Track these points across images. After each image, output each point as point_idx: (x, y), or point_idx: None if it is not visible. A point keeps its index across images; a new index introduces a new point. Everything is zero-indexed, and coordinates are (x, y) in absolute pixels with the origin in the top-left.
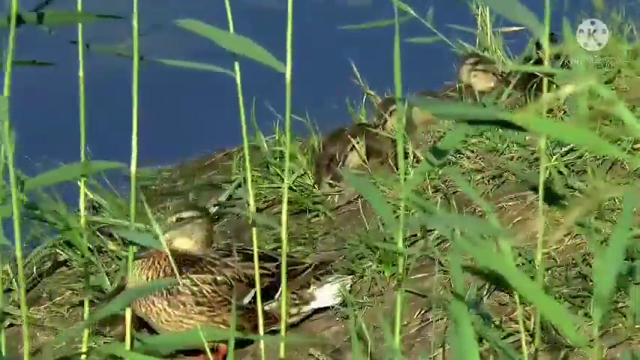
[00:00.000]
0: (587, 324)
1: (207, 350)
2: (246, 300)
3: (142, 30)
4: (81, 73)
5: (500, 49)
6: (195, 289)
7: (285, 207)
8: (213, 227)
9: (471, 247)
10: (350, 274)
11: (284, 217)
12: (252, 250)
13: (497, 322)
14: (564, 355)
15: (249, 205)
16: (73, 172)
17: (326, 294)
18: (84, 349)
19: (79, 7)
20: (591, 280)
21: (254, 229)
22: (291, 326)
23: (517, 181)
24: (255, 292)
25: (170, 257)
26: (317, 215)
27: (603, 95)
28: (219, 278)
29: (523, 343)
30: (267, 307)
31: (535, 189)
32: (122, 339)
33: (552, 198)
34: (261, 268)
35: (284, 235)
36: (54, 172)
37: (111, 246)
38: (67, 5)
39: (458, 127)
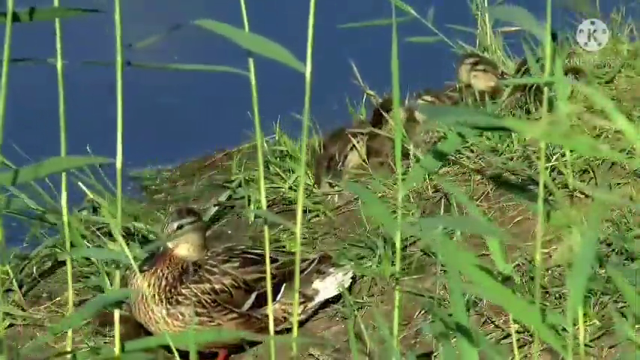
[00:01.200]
0: (587, 324)
1: (175, 350)
2: (246, 306)
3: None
4: (59, 65)
5: (500, 49)
6: (194, 299)
7: (300, 208)
8: (206, 232)
9: (451, 255)
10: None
11: (299, 217)
12: (251, 254)
13: (497, 323)
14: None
15: (260, 203)
16: (56, 166)
17: (329, 285)
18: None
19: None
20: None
21: (266, 228)
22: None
23: (512, 185)
24: (255, 297)
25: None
26: (317, 215)
27: (599, 103)
28: (217, 287)
29: (514, 342)
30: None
31: (524, 193)
32: (122, 339)
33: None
34: (261, 271)
35: (298, 235)
36: (36, 165)
37: (111, 246)
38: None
39: (457, 129)
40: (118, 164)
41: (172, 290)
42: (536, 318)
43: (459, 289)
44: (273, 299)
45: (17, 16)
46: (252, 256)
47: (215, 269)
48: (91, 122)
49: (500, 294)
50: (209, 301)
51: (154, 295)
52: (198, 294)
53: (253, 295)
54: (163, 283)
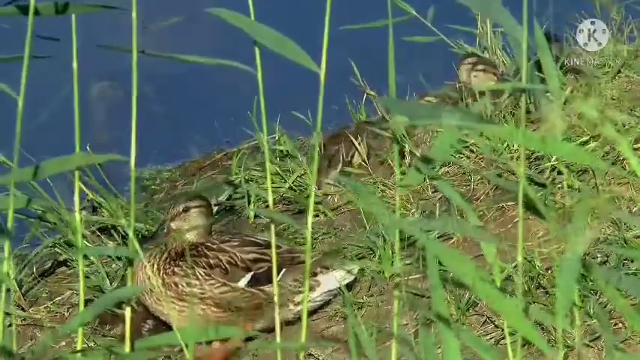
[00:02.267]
0: (587, 324)
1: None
2: (242, 283)
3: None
4: (75, 65)
5: (500, 49)
6: (189, 271)
7: (311, 207)
8: (213, 216)
9: (443, 255)
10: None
11: (309, 217)
12: (251, 237)
13: (497, 323)
14: (564, 355)
15: (260, 202)
16: (71, 163)
17: (331, 278)
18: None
19: None
20: (591, 280)
21: (272, 227)
22: (293, 323)
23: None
24: (252, 277)
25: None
26: (317, 215)
27: (586, 111)
28: (212, 262)
29: (518, 342)
30: (267, 289)
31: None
32: (122, 338)
33: (531, 207)
34: (261, 253)
35: (308, 234)
36: (51, 162)
37: (111, 245)
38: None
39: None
40: (132, 162)
41: (171, 262)
42: (520, 318)
43: (438, 278)
44: (271, 281)
45: (38, 11)
46: (252, 239)
47: (214, 246)
48: (88, 121)
49: (485, 292)
50: (203, 273)
51: (153, 264)
52: (194, 266)
53: (249, 275)
54: (164, 255)
